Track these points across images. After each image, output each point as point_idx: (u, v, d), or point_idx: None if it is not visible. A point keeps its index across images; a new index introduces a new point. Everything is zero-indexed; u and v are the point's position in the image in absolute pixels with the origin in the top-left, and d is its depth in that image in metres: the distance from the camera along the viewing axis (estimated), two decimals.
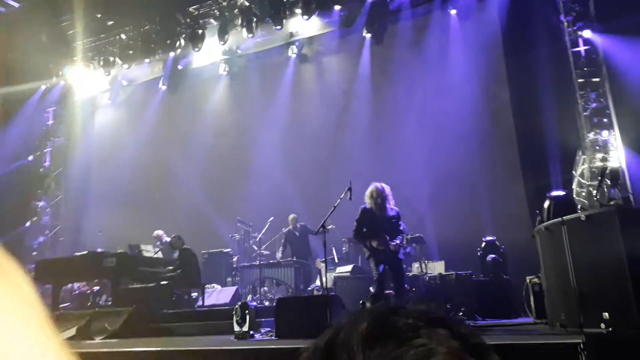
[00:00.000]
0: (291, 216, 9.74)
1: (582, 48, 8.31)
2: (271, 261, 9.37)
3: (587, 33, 8.26)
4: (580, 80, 8.25)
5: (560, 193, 6.41)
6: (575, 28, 8.29)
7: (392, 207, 6.16)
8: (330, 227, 8.75)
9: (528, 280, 5.90)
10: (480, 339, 0.56)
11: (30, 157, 14.29)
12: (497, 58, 9.62)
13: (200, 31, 11.93)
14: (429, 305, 0.59)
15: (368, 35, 11.17)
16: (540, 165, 8.36)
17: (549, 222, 4.66)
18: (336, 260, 9.07)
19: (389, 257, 5.99)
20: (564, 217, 4.42)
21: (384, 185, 6.21)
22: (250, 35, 11.46)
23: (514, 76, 9.24)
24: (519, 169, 9.02)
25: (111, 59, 13.00)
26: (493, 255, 7.51)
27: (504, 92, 9.44)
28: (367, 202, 6.15)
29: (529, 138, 8.88)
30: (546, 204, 6.50)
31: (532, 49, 8.73)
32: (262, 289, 9.36)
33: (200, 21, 11.95)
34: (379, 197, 6.06)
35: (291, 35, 11.77)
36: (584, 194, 6.75)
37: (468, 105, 9.50)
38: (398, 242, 6.06)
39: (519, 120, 9.16)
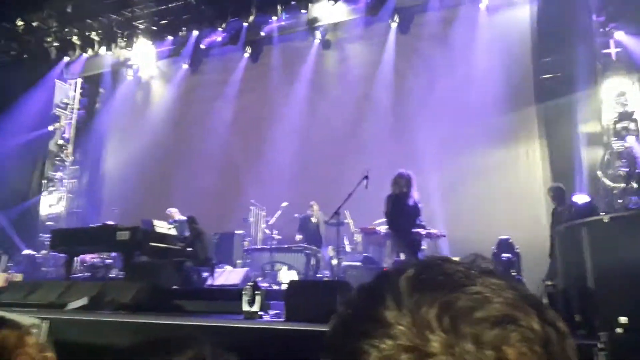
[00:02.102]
0: (315, 205, 9.59)
1: (613, 50, 8.12)
2: (283, 245, 9.37)
3: (619, 35, 8.07)
4: (608, 82, 8.08)
5: (584, 200, 6.35)
6: (607, 29, 8.11)
7: (414, 196, 6.20)
8: (347, 221, 8.74)
9: (542, 282, 5.83)
10: (534, 294, 0.52)
11: (51, 128, 14.43)
12: (525, 55, 9.47)
13: (224, 10, 11.88)
14: (478, 258, 0.55)
15: (394, 24, 11.04)
16: (562, 166, 8.24)
17: (570, 223, 4.58)
18: (348, 250, 9.05)
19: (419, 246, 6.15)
20: (586, 219, 4.34)
21: (410, 172, 6.22)
22: (275, 18, 11.39)
23: (541, 75, 9.09)
24: (540, 168, 8.90)
25: (135, 34, 13.01)
26: (508, 255, 7.42)
27: (529, 89, 9.31)
28: (393, 189, 6.16)
29: (552, 138, 8.75)
30: (560, 209, 6.47)
31: (562, 48, 8.57)
32: (272, 273, 9.37)
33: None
34: (405, 184, 6.07)
35: (315, 20, 11.67)
36: (607, 198, 6.66)
37: (491, 100, 9.36)
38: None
39: (543, 119, 9.02)
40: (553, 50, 8.82)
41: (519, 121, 9.40)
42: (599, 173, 7.19)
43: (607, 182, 6.82)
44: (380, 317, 0.49)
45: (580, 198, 6.52)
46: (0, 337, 1.18)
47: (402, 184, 6.13)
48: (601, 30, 8.26)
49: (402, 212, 6.12)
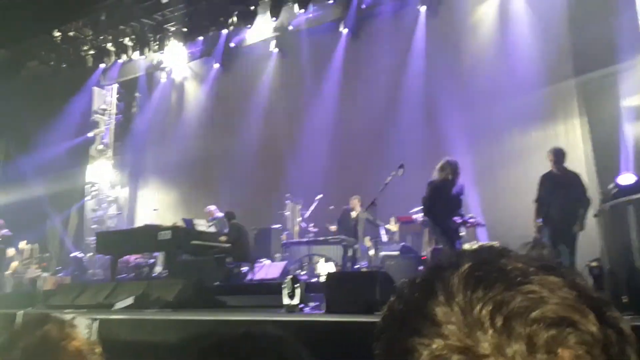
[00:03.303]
0: (355, 199, 9.48)
1: None
2: (319, 238, 9.40)
3: None
4: None
5: (630, 179, 6.14)
6: None
7: (460, 185, 6.33)
8: (389, 226, 8.64)
9: (587, 263, 5.67)
10: (599, 293, 0.49)
11: (90, 134, 14.89)
12: (561, 30, 9.10)
13: (252, 7, 11.93)
14: (541, 251, 0.53)
15: (423, 9, 10.83)
16: (605, 144, 7.95)
17: (614, 201, 4.44)
18: (385, 239, 9.00)
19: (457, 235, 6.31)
20: (632, 197, 4.19)
21: (456, 161, 6.27)
22: (302, 10, 11.37)
23: (578, 49, 8.74)
24: (581, 146, 8.61)
25: (166, 37, 13.24)
26: None
27: (567, 64, 8.95)
28: (438, 175, 6.15)
29: (592, 114, 8.43)
30: (611, 186, 6.25)
31: (599, 19, 8.20)
32: (310, 265, 9.42)
33: None
34: (452, 172, 6.12)
35: (343, 9, 11.59)
36: None
37: (526, 79, 9.08)
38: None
39: (582, 94, 8.70)
40: (592, 20, 8.44)
41: (557, 99, 9.10)
42: None
43: None
44: (431, 314, 0.48)
45: (626, 178, 6.30)
46: (44, 331, 1.27)
47: (448, 171, 6.12)
48: None
49: (442, 199, 6.10)
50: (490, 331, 0.44)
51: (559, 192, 6.08)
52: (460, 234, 7.85)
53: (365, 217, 9.24)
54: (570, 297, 0.46)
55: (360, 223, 9.39)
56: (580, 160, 8.56)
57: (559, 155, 6.23)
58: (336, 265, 8.92)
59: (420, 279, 0.53)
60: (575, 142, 8.79)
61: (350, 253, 9.07)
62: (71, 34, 13.55)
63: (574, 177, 6.24)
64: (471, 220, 6.68)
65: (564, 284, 0.47)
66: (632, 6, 7.92)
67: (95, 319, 4.16)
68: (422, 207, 6.52)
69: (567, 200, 6.03)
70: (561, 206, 6.02)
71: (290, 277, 5.74)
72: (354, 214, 9.49)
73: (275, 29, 12.53)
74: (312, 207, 9.88)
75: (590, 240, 6.03)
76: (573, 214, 5.96)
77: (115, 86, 15.34)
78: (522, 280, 0.47)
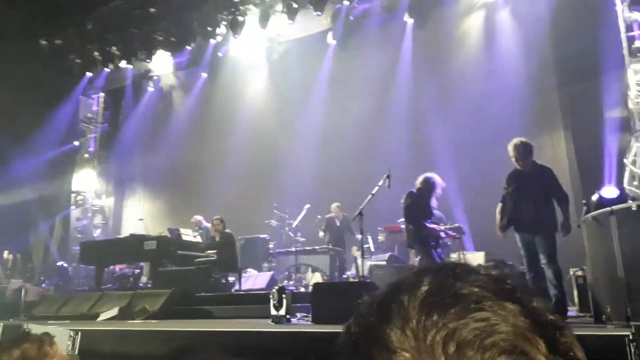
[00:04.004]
0: (335, 205, 9.63)
1: (636, 32, 7.91)
2: (307, 248, 9.39)
3: None
4: (633, 67, 7.86)
5: (613, 193, 6.06)
6: (630, 10, 7.89)
7: (434, 202, 6.41)
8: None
9: (572, 273, 5.72)
10: (554, 317, 0.49)
11: (76, 142, 14.77)
12: (545, 43, 9.27)
13: (240, 17, 11.97)
14: (502, 271, 0.52)
15: (410, 21, 10.96)
16: (587, 156, 8.06)
17: (597, 211, 4.49)
18: (372, 249, 9.01)
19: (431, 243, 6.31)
20: (614, 207, 4.25)
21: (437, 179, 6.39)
22: (291, 21, 11.44)
23: (562, 62, 8.90)
24: (565, 159, 8.72)
25: (154, 46, 13.20)
26: None
27: (551, 79, 9.12)
28: (418, 185, 6.33)
29: (575, 127, 8.57)
30: (594, 197, 6.24)
31: (583, 32, 8.35)
32: (297, 275, 9.39)
33: (241, 7, 11.98)
34: (432, 188, 6.30)
35: (331, 20, 11.66)
36: (635, 183, 6.47)
37: (512, 92, 9.20)
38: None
39: (566, 108, 8.84)
40: (576, 33, 8.60)
41: (541, 110, 9.22)
42: (626, 161, 6.99)
43: (634, 169, 6.63)
44: (386, 340, 0.47)
45: (609, 191, 6.30)
46: (21, 351, 1.25)
47: (430, 186, 6.31)
48: (625, 13, 8.03)
49: (421, 208, 6.26)
50: (443, 358, 0.44)
51: (528, 191, 5.30)
52: (447, 242, 7.95)
53: (346, 221, 9.34)
54: (522, 325, 0.46)
55: (346, 228, 9.49)
56: (564, 172, 8.67)
57: (520, 150, 5.36)
58: (324, 275, 8.91)
59: (377, 301, 0.52)
60: (559, 153, 8.91)
61: (337, 263, 9.08)
62: (57, 42, 13.47)
63: (544, 173, 5.41)
64: (450, 232, 6.80)
65: (519, 310, 0.47)
66: (615, 20, 8.08)
67: (78, 331, 4.09)
68: (405, 214, 6.60)
69: (537, 199, 5.24)
70: (532, 207, 5.23)
71: (277, 287, 5.73)
72: (337, 223, 9.54)
73: (264, 40, 12.57)
74: (299, 217, 9.87)
75: (577, 250, 6.09)
76: (547, 215, 5.18)
77: (102, 95, 15.26)
78: (475, 306, 0.47)
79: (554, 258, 5.05)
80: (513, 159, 5.43)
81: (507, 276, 0.51)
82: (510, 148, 5.47)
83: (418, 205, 6.25)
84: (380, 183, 6.74)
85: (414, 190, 6.38)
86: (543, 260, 5.08)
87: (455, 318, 0.46)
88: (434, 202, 6.44)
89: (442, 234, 6.58)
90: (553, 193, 5.29)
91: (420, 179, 6.43)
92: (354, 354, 0.50)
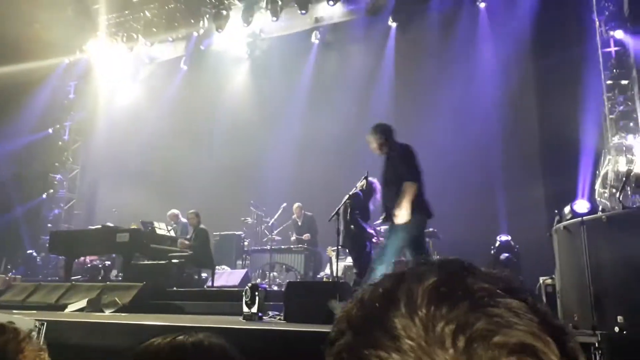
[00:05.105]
0: (295, 205, 9.69)
1: (612, 49, 8.10)
2: (282, 247, 9.37)
3: (618, 33, 8.04)
4: (608, 82, 8.05)
5: (584, 207, 6.06)
6: (607, 28, 8.08)
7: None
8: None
9: (541, 281, 5.82)
10: (560, 321, 0.48)
11: (50, 130, 14.45)
12: (525, 55, 9.47)
13: (224, 12, 11.88)
14: (502, 271, 0.51)
15: (394, 25, 11.05)
16: (560, 166, 8.22)
17: (568, 221, 4.58)
18: (347, 250, 9.03)
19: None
20: (584, 217, 4.33)
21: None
22: (275, 18, 11.40)
23: (541, 75, 9.10)
24: (539, 168, 8.90)
25: (134, 35, 13.03)
26: (507, 254, 7.43)
27: (530, 90, 9.32)
28: (361, 188, 6.49)
29: (551, 137, 8.74)
30: (567, 209, 6.34)
31: (562, 47, 8.55)
32: (271, 274, 9.37)
33: (225, 1, 11.90)
34: (374, 191, 6.34)
35: (315, 20, 11.67)
36: (606, 195, 6.62)
37: (491, 101, 9.37)
38: None
39: (542, 119, 9.03)
40: (553, 48, 8.80)
41: (519, 121, 9.40)
42: (597, 173, 7.16)
43: (605, 181, 6.78)
44: (391, 326, 0.46)
45: (581, 205, 6.39)
46: (3, 341, 1.25)
47: (371, 190, 6.37)
48: (601, 29, 8.23)
49: (363, 211, 6.48)
50: (451, 351, 0.43)
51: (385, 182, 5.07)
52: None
53: (310, 220, 9.42)
54: (533, 324, 0.45)
55: (309, 226, 9.56)
56: (539, 179, 8.84)
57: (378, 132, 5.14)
58: (298, 274, 8.90)
59: (383, 287, 0.50)
60: (534, 161, 9.09)
61: (312, 262, 9.09)
62: (35, 26, 13.17)
63: (397, 154, 5.08)
64: (379, 237, 6.89)
65: (529, 309, 0.47)
66: (593, 36, 8.28)
67: (44, 321, 4.01)
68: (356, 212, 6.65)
69: (391, 188, 4.91)
70: (390, 197, 4.90)
71: (250, 284, 5.69)
72: (299, 222, 9.61)
73: (247, 35, 12.50)
74: (276, 215, 9.84)
75: (547, 259, 6.20)
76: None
77: (78, 83, 14.95)
78: (487, 301, 0.46)
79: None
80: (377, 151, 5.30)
81: (510, 275, 0.51)
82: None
83: (362, 208, 6.40)
84: (357, 185, 6.76)
85: (359, 192, 6.44)
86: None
87: (465, 312, 0.45)
88: (371, 206, 6.53)
89: (375, 239, 6.67)
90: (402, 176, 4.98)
91: (364, 182, 6.49)
92: (354, 339, 0.48)
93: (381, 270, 4.60)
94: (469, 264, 0.52)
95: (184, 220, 10.01)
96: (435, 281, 0.48)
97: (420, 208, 4.81)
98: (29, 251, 12.39)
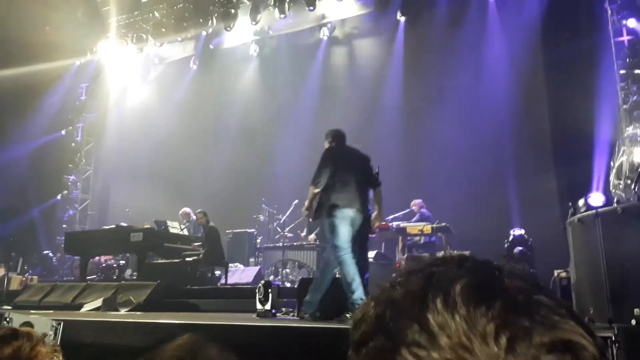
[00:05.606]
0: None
1: (625, 38, 7.97)
2: (294, 243, 9.38)
3: (631, 22, 7.91)
4: (621, 72, 7.93)
5: (600, 201, 5.94)
6: (619, 17, 7.95)
7: None
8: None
9: (556, 274, 5.77)
10: (586, 321, 0.48)
11: (63, 132, 14.59)
12: (535, 47, 9.35)
13: (232, 10, 11.89)
14: (517, 265, 0.51)
15: (402, 19, 10.98)
16: (573, 158, 8.12)
17: (583, 213, 4.52)
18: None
19: None
20: (599, 209, 4.28)
21: None
22: (283, 15, 11.38)
23: (552, 66, 8.98)
24: (552, 161, 8.81)
25: (144, 36, 13.10)
26: (520, 248, 7.36)
27: (540, 82, 9.20)
28: None
29: (563, 129, 8.64)
30: (581, 201, 6.26)
31: (573, 38, 8.43)
32: (284, 271, 9.39)
33: (234, 0, 11.91)
34: None
35: (323, 16, 11.64)
36: (621, 186, 6.53)
37: (502, 94, 9.29)
38: None
39: (555, 111, 8.91)
40: (564, 39, 8.68)
41: (530, 113, 9.31)
42: (612, 164, 7.07)
43: (620, 173, 6.69)
44: (428, 325, 0.45)
45: (596, 199, 6.29)
46: (16, 346, 1.26)
47: None
48: (613, 18, 8.11)
49: None
50: (494, 349, 0.43)
51: None
52: (434, 241, 8.00)
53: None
54: (572, 323, 0.45)
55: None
56: (551, 174, 8.76)
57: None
58: (310, 270, 8.91)
59: (410, 287, 0.49)
60: (547, 157, 9.00)
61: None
62: (47, 28, 13.29)
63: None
64: None
65: (560, 306, 0.47)
66: (605, 25, 8.16)
67: (61, 321, 4.05)
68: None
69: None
70: None
71: (263, 281, 5.71)
72: (311, 220, 9.55)
73: (255, 33, 12.50)
74: (287, 212, 9.85)
75: (561, 252, 6.14)
76: None
77: (89, 84, 15.07)
78: (524, 299, 0.46)
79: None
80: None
81: (533, 274, 0.51)
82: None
83: None
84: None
85: None
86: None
87: (504, 310, 0.45)
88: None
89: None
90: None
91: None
92: (388, 341, 0.47)
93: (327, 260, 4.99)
94: (496, 263, 0.52)
95: (195, 218, 10.07)
96: (471, 280, 0.48)
97: (322, 210, 5.15)
98: (45, 252, 12.55)
